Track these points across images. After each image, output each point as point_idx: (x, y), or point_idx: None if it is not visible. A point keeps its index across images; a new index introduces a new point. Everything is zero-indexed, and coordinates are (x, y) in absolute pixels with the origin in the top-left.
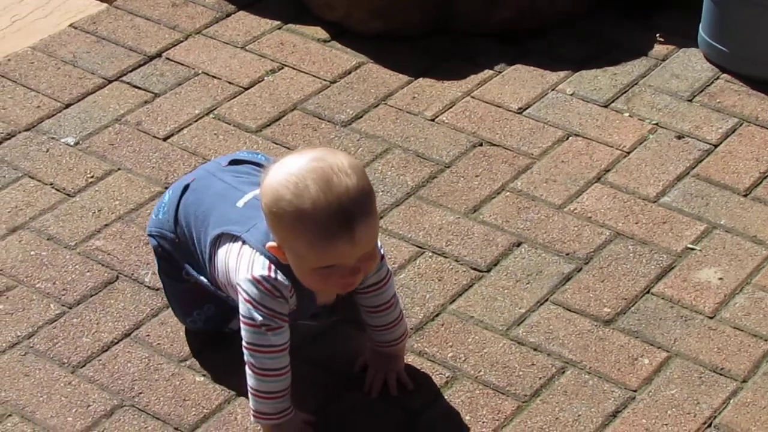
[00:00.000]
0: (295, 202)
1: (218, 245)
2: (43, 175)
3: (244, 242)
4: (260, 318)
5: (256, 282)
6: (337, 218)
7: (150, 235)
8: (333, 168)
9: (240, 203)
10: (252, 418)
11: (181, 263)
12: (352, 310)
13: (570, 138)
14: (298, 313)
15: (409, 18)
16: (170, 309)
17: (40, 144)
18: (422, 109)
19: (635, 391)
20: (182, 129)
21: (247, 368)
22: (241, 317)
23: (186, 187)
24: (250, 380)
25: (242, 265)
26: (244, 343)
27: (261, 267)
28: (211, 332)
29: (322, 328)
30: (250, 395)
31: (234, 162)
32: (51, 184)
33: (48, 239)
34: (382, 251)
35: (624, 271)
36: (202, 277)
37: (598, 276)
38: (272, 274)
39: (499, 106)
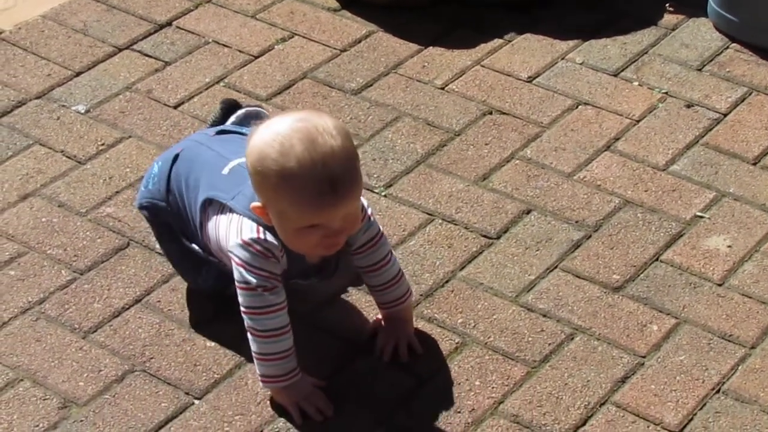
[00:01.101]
0: (281, 161)
1: (207, 214)
2: (54, 142)
3: (231, 210)
4: (255, 280)
5: (246, 245)
6: (322, 177)
7: (141, 208)
8: (318, 128)
9: (225, 170)
10: (260, 383)
11: (173, 231)
12: (345, 270)
13: (579, 107)
14: (289, 273)
15: None
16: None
17: (51, 112)
18: (432, 77)
19: (644, 357)
20: (192, 97)
21: (248, 334)
22: (236, 283)
23: (176, 157)
24: (254, 345)
25: (231, 232)
26: (242, 309)
27: (249, 230)
28: (222, 291)
29: (324, 291)
30: (255, 361)
31: (221, 132)
32: (62, 151)
33: (59, 206)
34: (369, 211)
35: (633, 238)
36: (194, 245)
37: (608, 243)
38: (261, 236)
39: (509, 75)
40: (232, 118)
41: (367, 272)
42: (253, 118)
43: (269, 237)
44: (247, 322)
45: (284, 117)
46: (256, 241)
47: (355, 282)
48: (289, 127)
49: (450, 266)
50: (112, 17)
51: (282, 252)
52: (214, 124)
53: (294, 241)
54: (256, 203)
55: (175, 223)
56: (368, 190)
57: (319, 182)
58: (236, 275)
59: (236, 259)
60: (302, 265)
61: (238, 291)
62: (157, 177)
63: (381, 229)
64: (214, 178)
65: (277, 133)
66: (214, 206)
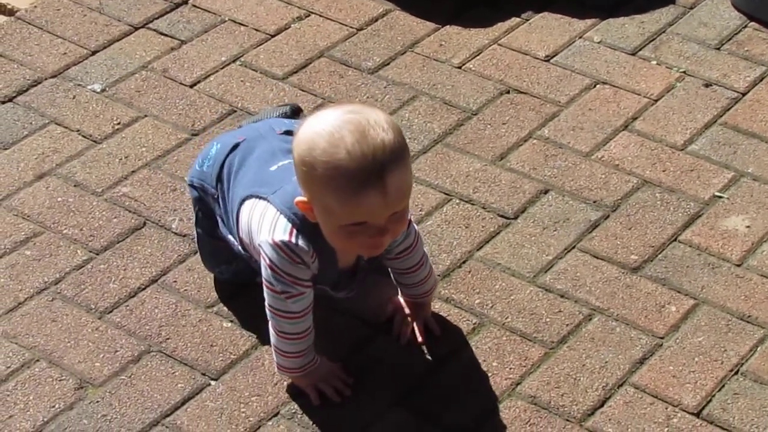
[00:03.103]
0: (330, 151)
1: (243, 207)
2: (69, 121)
3: (268, 202)
4: (280, 285)
5: (276, 247)
6: (371, 171)
7: (191, 185)
8: (370, 121)
9: (274, 167)
10: (276, 370)
11: (216, 219)
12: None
13: (597, 86)
14: (320, 277)
15: None
16: (198, 255)
17: (67, 91)
18: (449, 56)
19: (662, 338)
20: (209, 76)
21: (269, 325)
22: (263, 279)
23: (235, 146)
24: (272, 338)
25: (264, 227)
26: (266, 305)
27: (282, 231)
28: (238, 282)
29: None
30: (273, 349)
31: (287, 133)
32: (78, 130)
33: (75, 186)
34: (410, 216)
35: (651, 218)
36: (230, 237)
37: (626, 223)
38: (293, 239)
39: (527, 54)
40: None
41: (398, 273)
42: None
43: (301, 242)
44: (268, 316)
45: (335, 108)
46: (287, 244)
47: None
48: (340, 118)
49: (467, 246)
50: None
51: (313, 257)
52: (283, 116)
53: (337, 239)
54: (300, 198)
55: (218, 210)
56: None
57: (368, 175)
58: (264, 273)
59: (266, 259)
60: (333, 270)
61: (264, 287)
62: (213, 160)
63: (418, 232)
64: (261, 173)
65: (327, 123)
66: (252, 198)
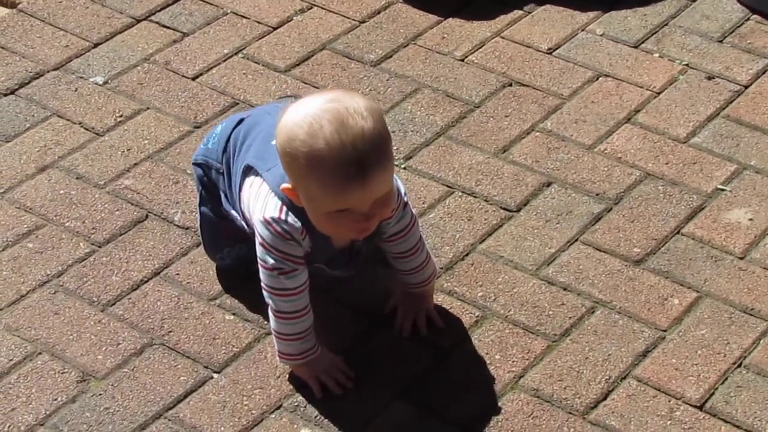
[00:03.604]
0: (309, 142)
1: (245, 179)
2: (71, 114)
3: (263, 180)
4: (272, 261)
5: (266, 223)
6: (351, 160)
7: (195, 164)
8: (349, 109)
9: (274, 141)
10: (278, 358)
11: (219, 195)
12: (373, 256)
13: (600, 78)
14: (313, 255)
15: None
16: (200, 247)
17: (69, 83)
18: (452, 49)
19: (665, 331)
20: (211, 68)
21: (268, 309)
22: (257, 258)
23: (240, 121)
24: (271, 322)
25: (258, 204)
26: (262, 285)
27: (273, 208)
28: (239, 271)
29: (342, 277)
30: (273, 336)
31: None
32: (80, 123)
33: (77, 178)
34: (405, 198)
35: (654, 211)
36: (233, 211)
37: (628, 216)
38: (282, 216)
39: (529, 47)
40: None
41: (394, 257)
42: None
43: (290, 218)
44: (265, 298)
45: (315, 97)
46: (276, 221)
47: (386, 265)
48: (320, 107)
49: (470, 239)
50: None
51: (303, 234)
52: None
53: (324, 225)
54: (286, 184)
55: (222, 185)
56: None
57: (348, 165)
58: (258, 251)
59: (258, 237)
60: (327, 249)
61: (259, 267)
62: (218, 137)
63: (414, 216)
64: (263, 146)
65: (307, 113)
66: (252, 173)
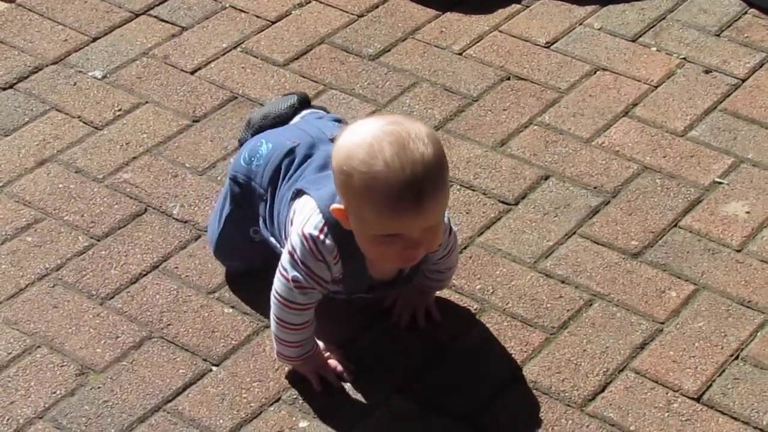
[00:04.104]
0: (368, 162)
1: (293, 201)
2: (70, 108)
3: (310, 197)
4: (294, 273)
5: (303, 237)
6: (408, 184)
7: (234, 180)
8: (411, 134)
9: (327, 171)
10: (276, 355)
11: (255, 218)
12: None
13: (597, 72)
14: (349, 286)
15: None
16: (199, 241)
17: (68, 77)
18: (450, 42)
19: (663, 323)
20: (210, 62)
21: (271, 312)
22: (280, 264)
23: (291, 151)
24: (272, 324)
25: (300, 218)
26: (272, 290)
27: (313, 225)
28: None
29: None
30: (272, 336)
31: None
32: (78, 117)
33: (76, 172)
34: (449, 224)
35: (651, 204)
36: (272, 239)
37: (626, 209)
38: (321, 236)
39: (527, 41)
40: (296, 119)
41: (431, 271)
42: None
43: (328, 240)
44: (271, 302)
45: (376, 118)
46: (314, 238)
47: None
48: (381, 129)
49: (468, 232)
50: None
51: (336, 258)
52: (282, 116)
53: (371, 249)
54: (337, 205)
55: (263, 211)
56: None
57: (404, 188)
58: (282, 258)
59: (289, 245)
60: (362, 278)
61: (277, 273)
62: (264, 160)
63: (455, 237)
64: (315, 174)
65: (367, 133)
66: (301, 195)
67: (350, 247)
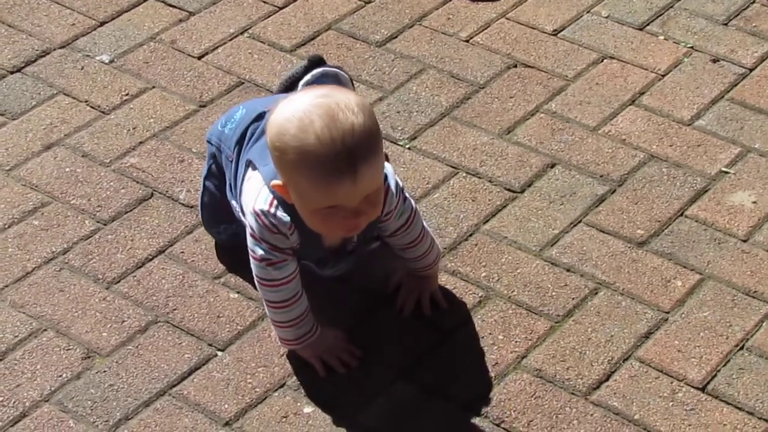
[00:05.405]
0: (300, 137)
1: (246, 171)
2: (78, 92)
3: (258, 173)
4: (261, 252)
5: (256, 215)
6: (341, 155)
7: (209, 142)
8: (340, 104)
9: None
10: (279, 341)
11: (225, 179)
12: (368, 265)
13: (605, 60)
14: (303, 252)
15: None
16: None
17: (75, 61)
18: (457, 29)
19: (668, 312)
20: (217, 48)
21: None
22: (248, 249)
23: (260, 116)
24: (266, 309)
25: (251, 197)
26: (253, 275)
27: (263, 201)
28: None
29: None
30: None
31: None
32: (86, 101)
33: (83, 156)
34: (406, 193)
35: (658, 193)
36: (233, 201)
37: (632, 198)
38: (272, 210)
39: (534, 28)
40: (308, 77)
41: (400, 249)
42: (330, 78)
43: (279, 212)
44: (257, 286)
45: (306, 92)
46: (265, 213)
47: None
48: (310, 102)
49: (474, 219)
50: None
51: (292, 229)
52: (294, 77)
53: (314, 221)
54: (277, 181)
55: (229, 174)
56: (392, 142)
57: (338, 160)
58: (248, 241)
59: (248, 228)
60: (317, 246)
61: (250, 257)
62: (235, 124)
63: (414, 207)
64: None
65: (297, 108)
66: (251, 167)
67: (301, 218)
